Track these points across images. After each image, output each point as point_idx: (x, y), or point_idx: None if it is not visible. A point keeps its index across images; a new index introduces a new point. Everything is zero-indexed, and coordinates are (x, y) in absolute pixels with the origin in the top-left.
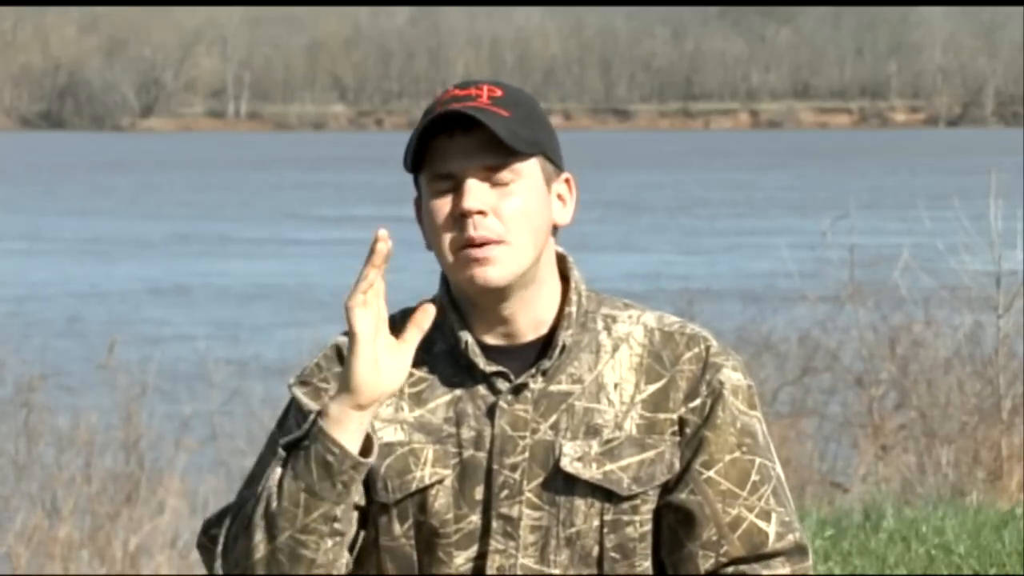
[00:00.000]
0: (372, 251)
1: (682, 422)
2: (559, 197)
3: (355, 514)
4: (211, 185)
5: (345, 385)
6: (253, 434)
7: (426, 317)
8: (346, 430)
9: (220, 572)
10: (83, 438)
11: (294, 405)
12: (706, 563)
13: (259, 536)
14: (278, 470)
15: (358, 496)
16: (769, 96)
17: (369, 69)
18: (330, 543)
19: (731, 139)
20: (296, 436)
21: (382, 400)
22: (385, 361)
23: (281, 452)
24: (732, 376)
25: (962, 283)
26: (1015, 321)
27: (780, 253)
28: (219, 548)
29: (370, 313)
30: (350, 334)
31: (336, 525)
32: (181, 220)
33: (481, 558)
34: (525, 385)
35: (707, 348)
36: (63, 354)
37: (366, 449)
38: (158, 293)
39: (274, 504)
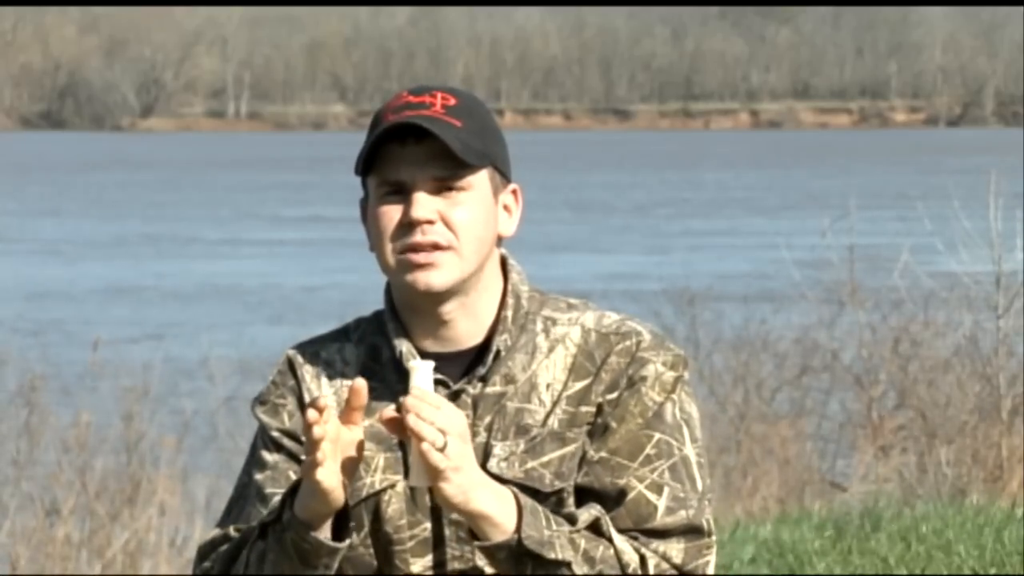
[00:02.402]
0: (311, 439)
1: (599, 410)
2: (505, 207)
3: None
4: (182, 185)
5: (311, 512)
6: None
7: (359, 397)
8: (318, 527)
9: None
10: (82, 438)
11: (259, 427)
12: None
13: None
14: (260, 543)
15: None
16: (769, 96)
17: (369, 69)
18: None
19: (731, 139)
20: (270, 519)
21: None
22: (344, 460)
23: (257, 528)
24: (657, 369)
25: (962, 283)
26: (1015, 321)
27: (779, 253)
28: None
29: (328, 465)
30: (316, 489)
31: None
32: (143, 221)
33: (440, 566)
34: (463, 391)
35: (638, 343)
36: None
37: (344, 514)
38: (109, 294)
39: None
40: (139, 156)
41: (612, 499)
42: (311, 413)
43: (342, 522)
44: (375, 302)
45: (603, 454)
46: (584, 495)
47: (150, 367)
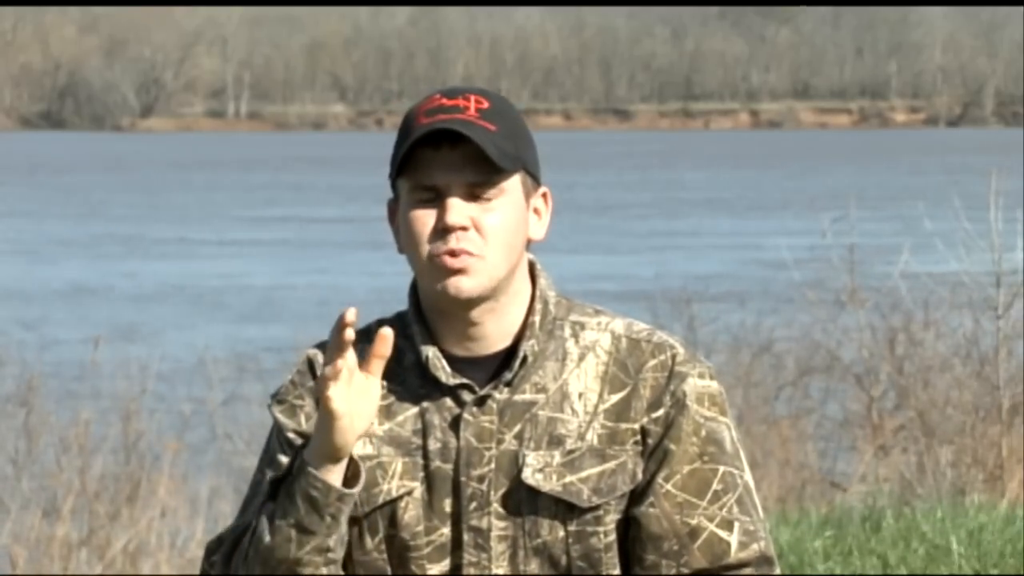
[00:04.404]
0: (339, 340)
1: (644, 432)
2: (535, 211)
3: (346, 534)
4: (166, 185)
5: (321, 451)
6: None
7: (385, 345)
8: (328, 470)
9: None
10: (81, 438)
11: (274, 424)
12: (668, 572)
13: (257, 570)
14: (268, 505)
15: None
16: (769, 96)
17: (369, 69)
18: (325, 571)
19: (731, 139)
20: (282, 473)
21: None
22: (356, 405)
23: (267, 487)
24: (698, 384)
25: (962, 283)
26: (1015, 321)
27: (760, 254)
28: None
29: (342, 389)
30: (326, 412)
31: (330, 554)
32: (119, 221)
33: (455, 571)
34: (489, 396)
35: (673, 356)
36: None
37: (353, 475)
38: (73, 294)
39: (267, 539)
40: (128, 156)
41: (680, 537)
42: (349, 315)
43: (351, 482)
44: (347, 302)
45: (669, 487)
46: (647, 533)
47: (129, 367)
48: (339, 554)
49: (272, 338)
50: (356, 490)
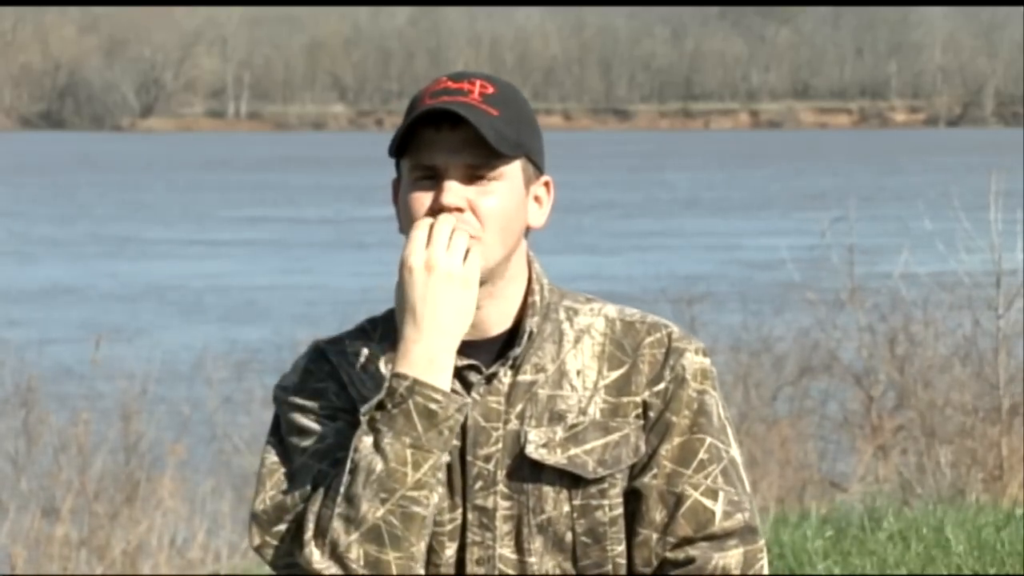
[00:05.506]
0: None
1: (646, 406)
2: (536, 199)
3: None
4: (152, 185)
5: (454, 327)
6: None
7: None
8: (444, 374)
9: (315, 558)
10: (82, 438)
11: (295, 413)
12: (657, 545)
13: (365, 506)
14: (366, 438)
15: None
16: (769, 96)
17: (369, 69)
18: (436, 497)
19: (731, 139)
20: (379, 398)
21: None
22: None
23: (363, 419)
24: (695, 360)
25: (962, 283)
26: (1015, 321)
27: (744, 255)
28: (308, 534)
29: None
30: (473, 279)
31: (440, 474)
32: (104, 221)
33: (462, 550)
34: (496, 376)
35: (668, 334)
36: None
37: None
38: (55, 294)
39: (379, 467)
40: (128, 157)
41: (668, 508)
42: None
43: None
44: (333, 303)
45: (661, 458)
46: (641, 504)
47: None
48: (445, 476)
49: (258, 339)
50: (469, 400)
